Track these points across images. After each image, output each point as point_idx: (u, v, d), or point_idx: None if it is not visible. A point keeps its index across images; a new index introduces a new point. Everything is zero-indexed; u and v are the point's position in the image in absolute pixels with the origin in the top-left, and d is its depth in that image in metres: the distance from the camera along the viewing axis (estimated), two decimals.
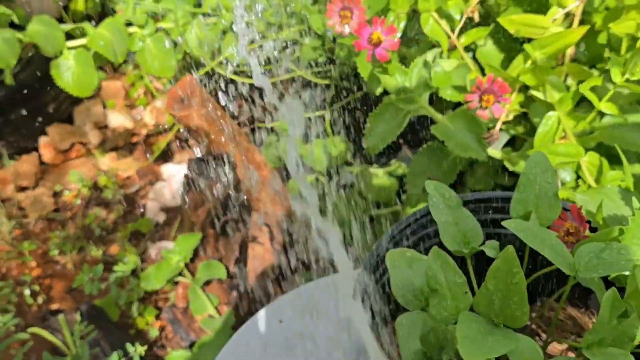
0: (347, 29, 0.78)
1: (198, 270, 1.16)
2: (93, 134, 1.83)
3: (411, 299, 0.48)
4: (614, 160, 0.74)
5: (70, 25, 1.19)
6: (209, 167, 1.06)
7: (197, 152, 1.10)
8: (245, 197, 1.22)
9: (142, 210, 1.71)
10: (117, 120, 1.88)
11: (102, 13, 1.76)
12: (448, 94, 0.89)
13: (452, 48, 0.92)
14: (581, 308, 0.66)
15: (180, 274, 1.18)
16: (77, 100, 1.90)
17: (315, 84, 1.41)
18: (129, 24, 1.23)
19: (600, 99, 0.76)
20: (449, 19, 0.94)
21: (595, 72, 0.86)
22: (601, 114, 0.79)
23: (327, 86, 1.28)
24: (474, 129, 0.77)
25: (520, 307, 0.43)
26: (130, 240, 1.60)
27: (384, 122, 0.79)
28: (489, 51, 0.98)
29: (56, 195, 1.71)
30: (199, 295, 1.19)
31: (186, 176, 1.06)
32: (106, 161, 1.78)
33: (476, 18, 0.96)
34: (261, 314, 0.81)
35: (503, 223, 0.48)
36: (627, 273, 0.50)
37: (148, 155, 1.83)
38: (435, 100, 0.94)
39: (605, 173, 0.72)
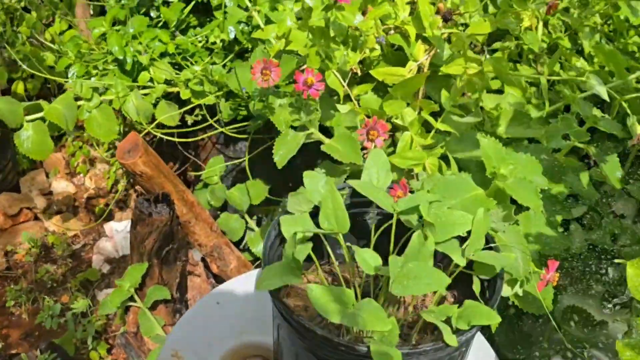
0: (269, 83, 1.06)
1: (147, 295, 1.39)
2: (39, 199, 2.04)
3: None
4: (448, 163, 1.07)
5: (28, 103, 1.44)
6: (152, 206, 1.31)
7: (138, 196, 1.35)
8: (183, 231, 1.47)
9: (87, 263, 1.92)
10: (60, 186, 2.10)
11: (39, 94, 2.02)
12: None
13: (346, 97, 1.24)
14: None
15: (131, 298, 1.41)
16: (21, 171, 2.11)
17: (236, 139, 1.70)
18: (77, 98, 1.49)
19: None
20: (344, 75, 1.26)
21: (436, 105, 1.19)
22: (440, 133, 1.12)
23: (246, 139, 1.57)
24: (353, 145, 1.07)
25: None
26: (80, 290, 1.80)
27: (286, 144, 1.08)
28: (370, 98, 1.30)
29: (8, 254, 1.90)
30: (148, 318, 1.41)
31: (134, 213, 1.31)
32: (52, 223, 1.99)
33: (359, 72, 1.28)
34: (204, 298, 1.06)
35: (348, 182, 0.77)
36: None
37: (90, 216, 2.05)
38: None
39: (443, 171, 1.04)
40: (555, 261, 0.85)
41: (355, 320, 0.67)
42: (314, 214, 0.87)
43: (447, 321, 0.74)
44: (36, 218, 2.02)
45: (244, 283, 1.09)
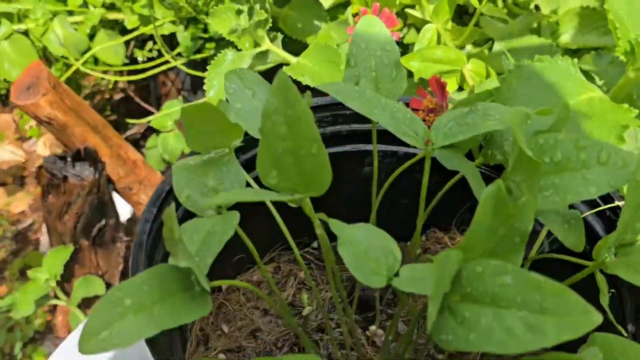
0: None
1: (73, 289, 1.01)
2: None
3: (199, 200, 0.37)
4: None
5: None
6: (69, 165, 0.93)
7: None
8: (123, 200, 1.09)
9: (35, 246, 1.55)
10: (5, 154, 1.72)
11: None
12: None
13: None
14: None
15: (55, 295, 1.03)
16: None
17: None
18: None
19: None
20: None
21: None
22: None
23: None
24: (332, 58, 0.67)
25: (317, 161, 0.31)
26: (20, 278, 1.44)
27: (223, 72, 0.69)
28: None
29: None
30: (81, 320, 1.03)
31: (43, 177, 0.92)
32: None
33: None
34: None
35: (319, 86, 0.37)
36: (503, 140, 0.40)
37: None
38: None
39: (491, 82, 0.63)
40: None
41: None
42: (242, 151, 0.47)
43: None
44: None
45: None
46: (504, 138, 0.39)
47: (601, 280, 0.38)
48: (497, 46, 0.69)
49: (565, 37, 0.82)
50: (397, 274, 0.34)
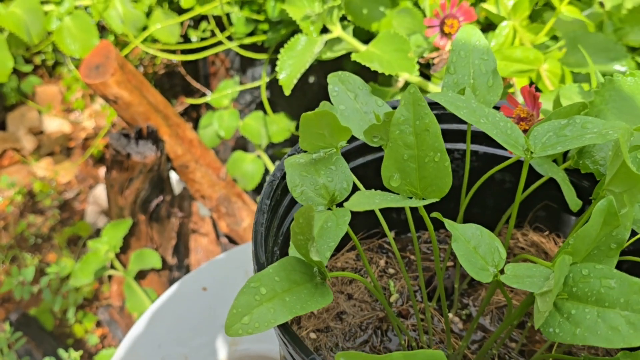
0: None
1: (130, 262, 1.06)
2: (27, 139, 1.72)
3: (312, 196, 0.40)
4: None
5: None
6: (133, 143, 0.97)
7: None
8: (178, 178, 1.12)
9: (80, 215, 1.60)
10: (53, 125, 1.77)
11: None
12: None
13: None
14: (544, 232, 0.58)
15: (112, 266, 1.08)
16: (10, 107, 1.79)
17: (255, 62, 1.33)
18: (44, 2, 1.14)
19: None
20: None
21: None
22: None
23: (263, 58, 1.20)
24: (402, 47, 0.70)
25: (438, 168, 0.34)
26: (69, 246, 1.49)
27: (295, 56, 0.71)
28: None
29: None
30: (135, 291, 1.08)
31: (107, 152, 0.96)
32: (42, 167, 1.67)
33: None
34: (185, 279, 0.71)
35: (429, 96, 0.39)
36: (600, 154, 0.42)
37: (88, 159, 1.72)
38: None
39: (568, 83, 0.65)
40: None
41: None
42: (352, 154, 0.50)
43: None
44: (24, 162, 1.71)
45: (244, 256, 0.74)
46: (597, 149, 0.42)
47: None
48: (567, 45, 0.71)
49: (630, 35, 0.83)
50: (502, 271, 0.37)
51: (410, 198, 0.36)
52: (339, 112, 0.44)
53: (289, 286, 0.35)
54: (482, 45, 0.44)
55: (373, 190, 0.37)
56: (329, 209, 0.41)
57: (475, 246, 0.36)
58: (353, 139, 0.50)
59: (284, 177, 0.45)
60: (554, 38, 0.81)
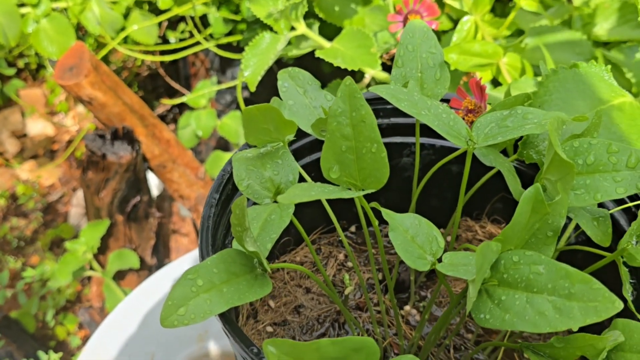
0: None
1: (108, 262, 1.06)
2: (10, 142, 1.72)
3: (258, 190, 0.40)
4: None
5: None
6: (108, 143, 0.97)
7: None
8: (156, 178, 1.13)
9: (64, 218, 1.60)
10: (37, 127, 1.77)
11: None
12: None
13: None
14: (502, 224, 0.59)
15: (90, 267, 1.08)
16: None
17: (234, 62, 1.33)
18: (21, 5, 1.14)
19: None
20: None
21: None
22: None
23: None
24: (364, 42, 0.70)
25: (375, 159, 0.34)
26: (52, 249, 1.49)
27: (260, 53, 0.72)
28: None
29: None
30: (114, 291, 1.08)
31: (83, 153, 0.96)
32: (25, 170, 1.67)
33: None
34: (150, 279, 0.71)
35: (372, 89, 0.40)
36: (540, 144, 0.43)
37: (71, 162, 1.72)
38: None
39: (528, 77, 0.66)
40: None
41: None
42: (305, 150, 0.50)
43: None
44: (7, 165, 1.70)
45: None
46: (540, 139, 0.42)
47: (624, 272, 0.41)
48: (531, 40, 0.71)
49: (598, 30, 0.84)
50: (440, 260, 0.37)
51: (350, 189, 0.37)
52: (287, 107, 0.44)
53: (228, 277, 0.35)
54: (429, 39, 0.45)
55: (312, 182, 0.37)
56: (275, 201, 0.41)
57: (413, 235, 0.37)
58: (306, 135, 0.50)
59: None
60: (521, 33, 0.81)
